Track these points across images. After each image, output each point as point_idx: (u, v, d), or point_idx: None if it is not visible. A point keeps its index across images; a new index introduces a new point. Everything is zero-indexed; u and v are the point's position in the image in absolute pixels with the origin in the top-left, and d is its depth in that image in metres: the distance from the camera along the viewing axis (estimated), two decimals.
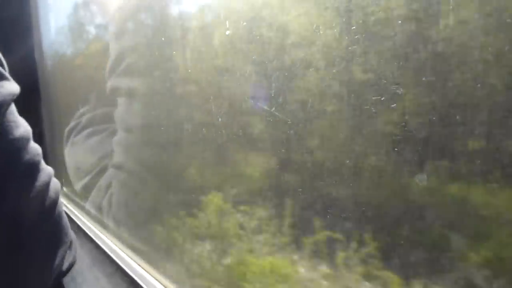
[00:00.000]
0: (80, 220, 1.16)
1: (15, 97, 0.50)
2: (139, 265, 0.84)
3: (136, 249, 0.87)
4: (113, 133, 1.01)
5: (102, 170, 1.06)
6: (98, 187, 1.08)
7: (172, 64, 0.68)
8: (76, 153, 1.26)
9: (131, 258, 0.88)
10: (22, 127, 0.51)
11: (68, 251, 0.60)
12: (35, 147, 0.53)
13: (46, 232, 0.56)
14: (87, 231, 1.10)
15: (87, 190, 1.16)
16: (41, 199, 0.53)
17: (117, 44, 0.90)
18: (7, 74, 0.50)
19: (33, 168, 0.52)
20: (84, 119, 1.24)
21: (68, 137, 1.29)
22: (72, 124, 1.29)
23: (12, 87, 0.49)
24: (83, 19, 1.24)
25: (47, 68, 1.58)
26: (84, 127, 1.22)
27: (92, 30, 1.20)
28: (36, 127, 0.62)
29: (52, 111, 1.60)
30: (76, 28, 1.29)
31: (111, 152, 1.01)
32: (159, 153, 0.78)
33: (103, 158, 1.07)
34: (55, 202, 0.56)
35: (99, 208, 1.05)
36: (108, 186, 1.01)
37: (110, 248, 0.97)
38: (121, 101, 0.92)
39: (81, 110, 1.26)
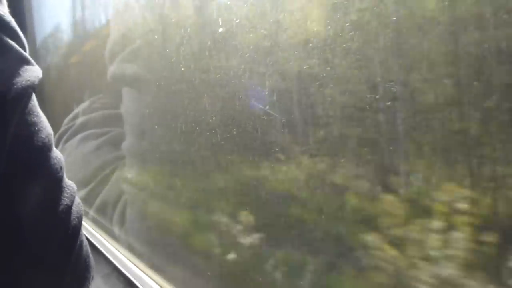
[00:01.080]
0: None
1: (37, 82, 0.39)
2: (136, 266, 0.83)
3: None
4: (114, 138, 0.98)
5: (102, 181, 1.02)
6: (101, 197, 1.03)
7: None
8: (69, 161, 1.21)
9: (128, 259, 0.87)
10: (44, 130, 0.39)
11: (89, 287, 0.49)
12: (57, 158, 0.41)
13: (66, 272, 0.44)
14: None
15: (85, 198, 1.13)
16: (61, 231, 0.42)
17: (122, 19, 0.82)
18: (29, 57, 0.40)
19: (54, 188, 0.41)
20: (77, 123, 1.20)
21: (58, 143, 1.25)
22: (62, 129, 1.26)
23: (37, 70, 0.40)
24: (76, 16, 1.23)
25: (40, 65, 1.56)
26: (78, 132, 1.18)
27: (86, 28, 1.18)
28: None
29: (46, 109, 1.58)
30: (70, 26, 1.28)
31: (113, 160, 0.98)
32: None
33: (103, 167, 1.03)
34: (77, 231, 0.44)
35: (106, 216, 1.01)
36: (117, 199, 0.95)
37: (107, 249, 0.96)
38: (127, 94, 0.84)
39: (72, 114, 1.22)
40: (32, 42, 1.60)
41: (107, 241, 0.99)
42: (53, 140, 0.41)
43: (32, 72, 0.39)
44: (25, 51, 0.40)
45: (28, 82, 0.37)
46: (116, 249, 0.93)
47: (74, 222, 0.43)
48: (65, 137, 1.23)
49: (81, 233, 0.46)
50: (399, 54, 0.34)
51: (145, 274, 0.79)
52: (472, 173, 0.31)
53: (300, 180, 0.45)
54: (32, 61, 0.40)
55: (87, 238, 1.05)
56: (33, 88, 0.39)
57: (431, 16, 0.32)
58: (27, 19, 1.62)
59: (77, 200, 0.45)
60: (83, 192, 1.10)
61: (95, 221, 1.08)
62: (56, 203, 0.41)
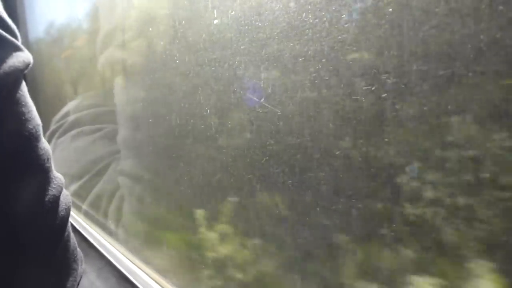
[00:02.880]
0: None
1: (28, 67, 0.39)
2: (129, 259, 0.83)
3: None
4: (108, 134, 0.98)
5: (97, 174, 1.03)
6: (96, 190, 1.04)
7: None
8: (62, 156, 1.21)
9: (121, 253, 0.87)
10: (32, 120, 0.39)
11: (77, 279, 0.49)
12: (45, 149, 0.41)
13: (53, 262, 0.45)
14: (75, 224, 1.09)
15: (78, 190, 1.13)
16: (49, 221, 0.42)
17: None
18: (20, 44, 0.40)
19: (42, 178, 0.41)
20: (70, 119, 1.20)
21: (50, 140, 1.25)
22: (53, 127, 1.26)
23: (26, 56, 0.40)
24: (68, 12, 1.22)
25: (33, 60, 1.55)
26: (70, 128, 1.18)
27: (78, 22, 1.17)
28: None
29: (40, 105, 1.57)
30: (62, 21, 1.27)
31: (106, 155, 0.98)
32: None
33: (97, 161, 1.04)
34: (65, 222, 0.45)
35: (100, 210, 1.01)
36: (113, 191, 0.94)
37: (99, 243, 0.96)
38: (119, 83, 0.83)
39: (63, 111, 1.23)
40: (24, 36, 1.59)
41: (100, 235, 0.98)
42: (41, 131, 0.41)
43: (19, 58, 0.38)
44: (16, 38, 0.40)
45: (12, 68, 0.37)
46: (109, 243, 0.93)
47: (62, 213, 0.44)
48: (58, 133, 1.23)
49: (68, 224, 0.46)
50: None
51: (138, 267, 0.79)
52: None
53: None
54: (22, 47, 0.40)
55: (79, 232, 1.05)
56: (21, 73, 0.39)
57: None
58: (19, 16, 1.61)
59: (65, 192, 0.45)
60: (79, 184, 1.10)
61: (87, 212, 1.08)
62: (44, 194, 0.41)
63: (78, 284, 0.52)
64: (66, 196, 0.45)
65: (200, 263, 0.63)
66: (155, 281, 0.74)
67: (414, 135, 0.34)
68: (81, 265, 0.52)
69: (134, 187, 0.84)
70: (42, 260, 0.43)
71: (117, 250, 0.89)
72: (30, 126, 0.39)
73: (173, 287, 0.70)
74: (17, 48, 0.39)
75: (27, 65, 0.39)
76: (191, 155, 0.63)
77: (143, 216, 0.82)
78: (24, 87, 0.40)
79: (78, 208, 1.14)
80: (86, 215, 1.09)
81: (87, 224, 1.07)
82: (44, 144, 0.41)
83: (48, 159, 0.41)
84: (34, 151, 0.39)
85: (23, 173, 0.39)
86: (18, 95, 0.38)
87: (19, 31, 0.41)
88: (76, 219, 1.12)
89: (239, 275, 0.56)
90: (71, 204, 0.46)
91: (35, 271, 0.42)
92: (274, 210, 0.49)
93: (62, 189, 0.44)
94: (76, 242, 0.50)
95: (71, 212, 1.15)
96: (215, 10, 0.52)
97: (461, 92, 0.30)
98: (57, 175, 0.44)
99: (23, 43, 0.42)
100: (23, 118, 0.38)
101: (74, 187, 1.15)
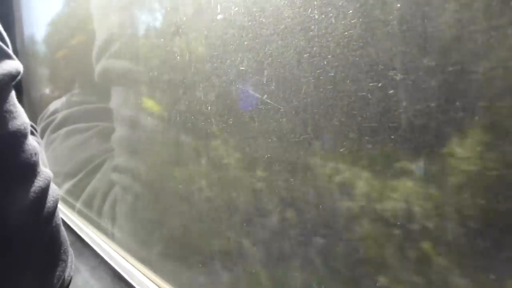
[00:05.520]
0: (62, 212, 1.14)
1: (17, 76, 0.42)
2: (123, 258, 0.82)
3: None
4: (101, 132, 0.97)
5: (90, 173, 1.02)
6: (90, 189, 1.02)
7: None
8: (53, 154, 1.20)
9: (115, 251, 0.86)
10: (19, 118, 0.42)
11: (65, 270, 0.51)
12: (32, 145, 0.44)
13: (40, 250, 0.47)
14: (69, 223, 1.08)
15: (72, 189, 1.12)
16: (35, 210, 0.44)
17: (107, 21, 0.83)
18: (10, 52, 0.43)
19: (28, 171, 0.44)
20: (60, 117, 1.19)
21: (41, 137, 1.24)
22: (43, 124, 1.26)
23: (15, 65, 0.42)
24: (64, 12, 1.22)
25: (29, 59, 1.55)
26: (61, 125, 1.17)
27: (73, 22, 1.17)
28: None
29: (35, 103, 1.57)
30: (58, 20, 1.26)
31: (99, 153, 0.97)
32: None
33: (90, 160, 1.02)
34: (52, 213, 0.47)
35: (93, 208, 1.00)
36: (107, 190, 0.93)
37: (94, 241, 0.95)
38: (116, 90, 0.84)
39: (53, 108, 1.22)
40: (20, 40, 1.59)
41: (94, 233, 0.97)
42: (29, 129, 0.44)
43: (9, 65, 0.41)
44: (7, 46, 0.43)
45: (5, 71, 0.40)
46: (103, 241, 0.92)
47: (49, 204, 0.46)
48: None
49: (56, 216, 0.49)
50: None
51: (133, 266, 0.78)
52: None
53: None
54: (13, 55, 0.43)
55: (73, 230, 1.03)
56: (10, 79, 0.42)
57: None
58: (15, 14, 1.61)
59: (53, 186, 0.48)
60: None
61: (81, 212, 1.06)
62: (30, 186, 0.44)
63: (71, 279, 0.54)
64: (54, 189, 0.48)
65: None
66: (150, 280, 0.73)
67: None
68: (71, 259, 0.53)
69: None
70: (27, 249, 0.45)
71: (112, 248, 0.88)
72: (18, 123, 0.42)
73: (167, 285, 0.70)
74: (7, 56, 0.42)
75: (18, 73, 0.42)
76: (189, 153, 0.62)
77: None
78: (12, 92, 0.43)
79: (72, 207, 1.13)
80: (80, 213, 1.08)
81: (81, 222, 1.06)
82: (32, 141, 0.44)
83: (35, 154, 0.44)
84: (20, 146, 0.42)
85: (9, 166, 0.42)
86: (6, 96, 0.41)
87: (15, 29, 0.44)
88: (70, 217, 1.11)
89: None
90: (59, 196, 0.48)
91: (20, 261, 0.44)
92: None
93: (49, 182, 0.46)
94: (66, 236, 0.52)
95: (65, 211, 1.14)
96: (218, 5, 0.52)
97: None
98: (45, 170, 0.46)
99: (19, 43, 0.45)
100: (11, 115, 0.41)
101: (67, 185, 1.14)
